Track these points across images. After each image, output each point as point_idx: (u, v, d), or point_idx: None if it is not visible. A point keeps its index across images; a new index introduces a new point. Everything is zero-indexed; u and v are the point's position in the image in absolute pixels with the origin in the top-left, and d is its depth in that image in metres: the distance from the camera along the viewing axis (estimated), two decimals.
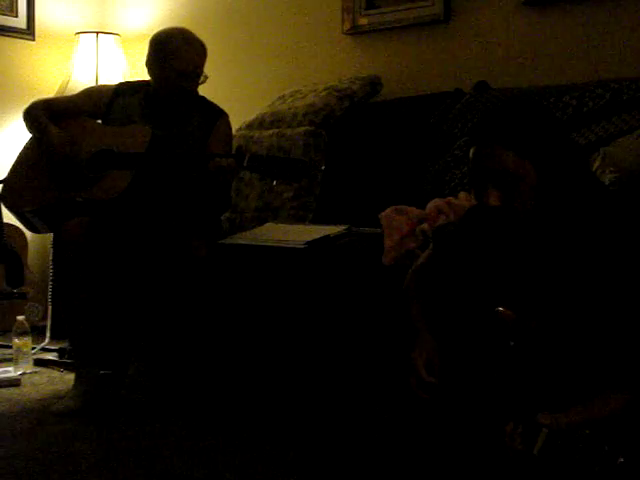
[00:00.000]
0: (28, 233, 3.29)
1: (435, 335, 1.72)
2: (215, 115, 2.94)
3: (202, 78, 2.87)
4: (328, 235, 2.57)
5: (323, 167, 2.62)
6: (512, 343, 1.52)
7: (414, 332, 1.77)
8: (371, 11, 3.52)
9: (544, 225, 1.59)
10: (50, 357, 3.36)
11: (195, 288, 2.69)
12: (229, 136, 2.99)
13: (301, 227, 2.78)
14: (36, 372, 3.19)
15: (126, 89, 3.02)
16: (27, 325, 3.20)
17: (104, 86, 3.34)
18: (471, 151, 1.62)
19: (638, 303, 1.49)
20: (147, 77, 2.95)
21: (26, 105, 2.97)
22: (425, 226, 2.33)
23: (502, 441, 1.44)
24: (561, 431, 1.37)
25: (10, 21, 4.06)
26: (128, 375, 2.85)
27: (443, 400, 1.65)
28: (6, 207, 2.96)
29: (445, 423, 1.65)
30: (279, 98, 3.56)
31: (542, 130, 1.59)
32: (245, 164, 2.55)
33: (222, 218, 3.13)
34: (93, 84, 3.85)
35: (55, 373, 3.20)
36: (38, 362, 3.29)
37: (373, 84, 3.41)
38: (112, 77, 3.90)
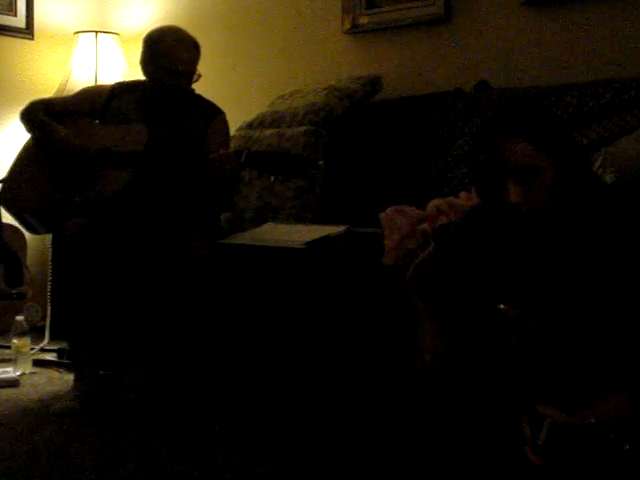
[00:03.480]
0: (27, 233, 3.28)
1: (439, 324, 1.74)
2: (212, 113, 2.94)
3: (195, 77, 2.87)
4: (328, 235, 2.57)
5: (321, 162, 2.63)
6: (514, 340, 1.52)
7: (417, 321, 1.78)
8: (371, 11, 3.52)
9: (555, 222, 1.58)
10: (49, 357, 3.36)
11: (195, 288, 2.69)
12: (226, 133, 2.99)
13: (301, 227, 2.78)
14: (35, 372, 3.18)
15: (122, 89, 3.02)
16: (26, 325, 3.19)
17: (100, 86, 3.34)
18: (484, 147, 1.57)
19: (639, 302, 1.49)
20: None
21: (25, 105, 2.97)
22: (425, 226, 2.32)
23: (506, 433, 1.43)
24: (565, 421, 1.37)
25: (9, 20, 4.05)
26: (127, 375, 2.84)
27: (445, 390, 1.65)
28: (4, 208, 2.96)
29: (445, 416, 1.65)
30: (279, 98, 3.55)
31: (556, 124, 1.59)
32: (243, 160, 2.55)
33: (222, 218, 3.12)
34: (92, 83, 3.85)
35: (54, 373, 3.20)
36: (37, 362, 3.29)
37: (373, 84, 3.41)
38: (111, 77, 3.90)
